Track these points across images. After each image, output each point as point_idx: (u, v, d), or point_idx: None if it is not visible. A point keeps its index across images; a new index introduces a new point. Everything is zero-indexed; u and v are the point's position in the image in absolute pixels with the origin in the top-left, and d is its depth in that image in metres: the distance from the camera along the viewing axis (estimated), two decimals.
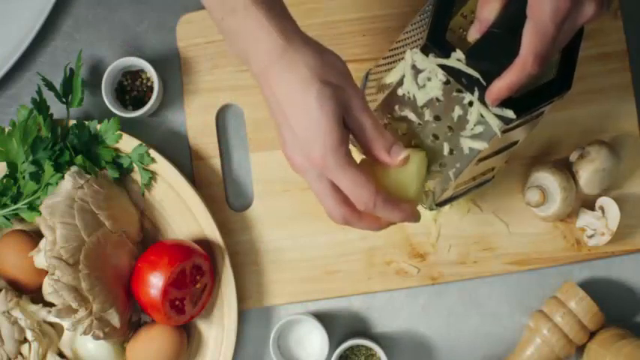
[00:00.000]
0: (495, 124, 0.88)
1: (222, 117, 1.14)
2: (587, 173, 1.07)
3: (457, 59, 0.87)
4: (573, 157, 1.09)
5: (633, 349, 1.03)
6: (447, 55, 0.88)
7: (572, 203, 1.07)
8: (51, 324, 1.08)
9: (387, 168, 0.87)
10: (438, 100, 0.91)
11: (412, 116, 0.92)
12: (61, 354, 1.08)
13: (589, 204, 1.10)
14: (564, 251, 1.11)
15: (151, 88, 1.13)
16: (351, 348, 1.09)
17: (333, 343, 1.11)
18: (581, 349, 1.08)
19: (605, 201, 1.08)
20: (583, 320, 1.06)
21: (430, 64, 0.89)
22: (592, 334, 1.08)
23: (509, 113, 0.88)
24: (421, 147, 0.93)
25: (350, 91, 0.84)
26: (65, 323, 1.05)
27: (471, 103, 0.89)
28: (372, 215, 0.87)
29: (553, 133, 1.11)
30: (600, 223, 1.08)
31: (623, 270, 1.12)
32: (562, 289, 1.08)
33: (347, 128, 0.85)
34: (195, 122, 1.13)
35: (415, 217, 0.89)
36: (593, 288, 1.10)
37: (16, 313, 1.05)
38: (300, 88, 0.82)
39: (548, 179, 1.07)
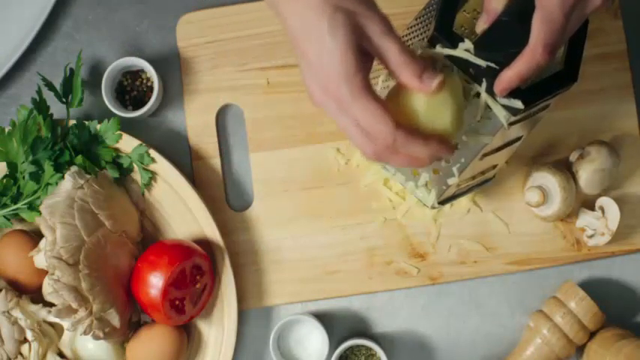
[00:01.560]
0: (503, 116, 0.88)
1: (222, 117, 1.14)
2: (587, 173, 1.07)
3: (465, 49, 0.87)
4: (573, 157, 1.09)
5: (633, 349, 1.03)
6: (455, 46, 0.87)
7: (572, 203, 1.08)
8: (51, 324, 1.08)
9: (418, 96, 0.82)
10: None
11: None
12: (61, 354, 1.08)
13: (589, 204, 1.10)
14: (564, 251, 1.11)
15: (151, 88, 1.13)
16: (351, 348, 1.09)
17: (333, 343, 1.11)
18: (581, 349, 1.08)
19: (605, 201, 1.08)
20: (583, 320, 1.06)
21: (437, 54, 0.88)
22: (592, 334, 1.08)
23: (518, 103, 0.87)
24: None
25: (369, 15, 0.79)
26: (65, 323, 1.05)
27: (478, 95, 0.89)
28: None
29: (553, 133, 1.12)
30: (600, 223, 1.08)
31: (623, 270, 1.12)
32: (562, 289, 1.08)
33: (369, 56, 0.81)
34: (195, 122, 1.13)
35: (448, 150, 0.82)
36: (593, 288, 1.10)
37: (16, 313, 1.05)
38: (312, 15, 0.78)
39: (548, 179, 1.07)
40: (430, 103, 0.82)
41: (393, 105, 0.83)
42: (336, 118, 0.81)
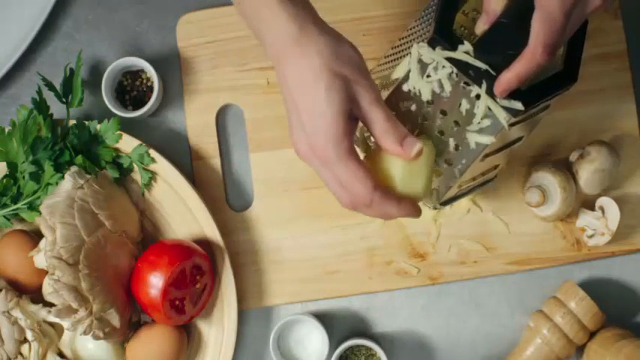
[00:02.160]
0: (503, 117, 0.88)
1: (222, 117, 1.14)
2: (587, 173, 1.07)
3: (464, 51, 0.87)
4: (573, 157, 1.09)
5: (633, 349, 1.03)
6: (455, 48, 0.87)
7: (572, 203, 1.08)
8: (51, 324, 1.08)
9: (396, 162, 0.87)
10: (444, 94, 0.90)
11: (417, 112, 0.92)
12: (61, 354, 1.08)
13: (589, 204, 1.10)
14: (564, 251, 1.11)
15: (151, 88, 1.13)
16: (351, 348, 1.09)
17: (333, 343, 1.11)
18: (581, 349, 1.08)
19: (605, 201, 1.08)
20: (583, 320, 1.06)
21: (437, 56, 0.89)
22: (592, 334, 1.08)
23: (518, 105, 0.87)
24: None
25: (362, 84, 0.83)
26: (65, 323, 1.05)
27: (478, 97, 0.89)
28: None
29: (553, 133, 1.12)
30: (600, 223, 1.08)
31: (623, 270, 1.12)
32: (562, 289, 1.08)
33: (355, 120, 0.85)
34: (195, 122, 1.13)
35: (416, 213, 0.88)
36: (593, 288, 1.10)
37: (16, 313, 1.05)
38: (310, 77, 0.82)
39: (548, 179, 1.07)
40: (407, 170, 0.87)
41: (373, 164, 0.88)
42: (318, 170, 0.86)
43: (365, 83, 0.84)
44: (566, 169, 1.08)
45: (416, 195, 0.88)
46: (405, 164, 0.87)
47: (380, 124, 0.84)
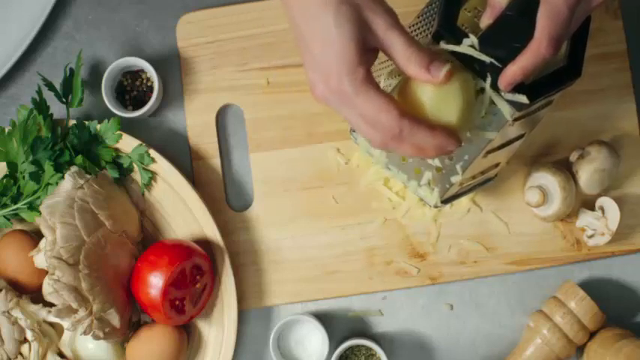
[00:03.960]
0: (507, 111, 0.88)
1: (222, 117, 1.14)
2: (587, 173, 1.07)
3: (469, 45, 0.87)
4: (573, 157, 1.09)
5: (633, 349, 1.03)
6: (459, 41, 0.87)
7: (572, 203, 1.08)
8: (51, 324, 1.08)
9: (426, 88, 0.82)
10: None
11: None
12: (61, 354, 1.08)
13: (589, 204, 1.10)
14: (564, 251, 1.11)
15: (151, 88, 1.13)
16: (351, 348, 1.09)
17: (333, 343, 1.11)
18: (581, 349, 1.08)
19: (605, 201, 1.08)
20: (583, 320, 1.06)
21: (441, 50, 0.88)
22: (592, 334, 1.08)
23: (522, 98, 0.87)
24: None
25: (374, 9, 0.79)
26: (65, 323, 1.05)
27: (482, 91, 0.89)
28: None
29: (553, 133, 1.12)
30: (600, 223, 1.08)
31: (623, 270, 1.12)
32: (562, 289, 1.08)
33: (372, 52, 0.81)
34: (195, 122, 1.13)
35: (455, 143, 0.82)
36: (593, 288, 1.10)
37: (16, 313, 1.05)
38: (318, 7, 0.78)
39: (548, 179, 1.07)
40: (438, 94, 0.82)
41: (400, 98, 0.83)
42: (339, 110, 0.81)
43: (377, 8, 0.79)
44: (566, 169, 1.08)
45: (451, 123, 0.83)
46: (435, 90, 0.82)
47: (401, 50, 0.79)
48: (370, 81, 0.79)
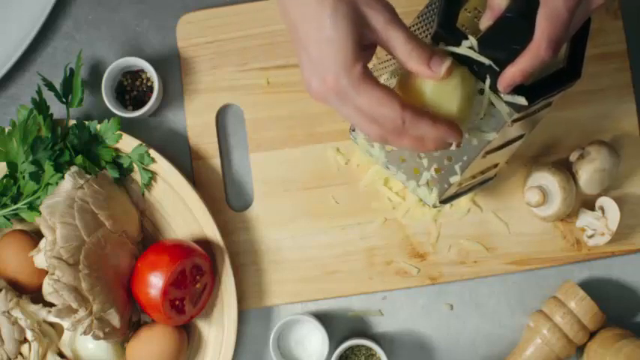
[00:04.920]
0: (506, 112, 0.88)
1: (222, 117, 1.14)
2: (587, 173, 1.07)
3: (468, 47, 0.87)
4: (573, 157, 1.09)
5: (633, 349, 1.03)
6: (459, 43, 0.87)
7: (572, 203, 1.08)
8: (51, 324, 1.08)
9: (426, 82, 0.82)
10: None
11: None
12: (61, 354, 1.08)
13: (589, 204, 1.10)
14: (564, 251, 1.11)
15: (151, 88, 1.13)
16: (351, 348, 1.09)
17: (333, 343, 1.11)
18: (581, 349, 1.08)
19: (605, 201, 1.08)
20: (583, 320, 1.06)
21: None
22: (592, 334, 1.08)
23: (521, 100, 0.87)
24: None
25: (371, 5, 0.78)
26: (65, 323, 1.05)
27: (481, 92, 0.89)
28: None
29: (553, 133, 1.12)
30: (600, 223, 1.08)
31: (623, 270, 1.12)
32: (562, 289, 1.08)
33: (370, 49, 0.80)
34: (195, 122, 1.13)
35: (457, 134, 0.82)
36: (593, 288, 1.10)
37: (16, 313, 1.05)
38: (314, 4, 0.78)
39: (548, 179, 1.07)
40: (438, 86, 0.82)
41: (400, 91, 0.83)
42: (337, 108, 0.81)
43: (375, 3, 0.78)
44: (566, 169, 1.08)
45: (450, 114, 0.84)
46: (435, 83, 0.82)
47: (401, 45, 0.79)
48: (368, 76, 0.79)
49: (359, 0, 0.78)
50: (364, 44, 0.80)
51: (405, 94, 0.84)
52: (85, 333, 1.01)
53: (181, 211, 1.10)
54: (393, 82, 0.95)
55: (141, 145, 1.10)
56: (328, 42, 0.78)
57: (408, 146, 0.82)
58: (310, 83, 0.80)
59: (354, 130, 1.00)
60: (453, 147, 0.88)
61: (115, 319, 1.03)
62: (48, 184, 1.07)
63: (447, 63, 0.81)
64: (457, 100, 0.84)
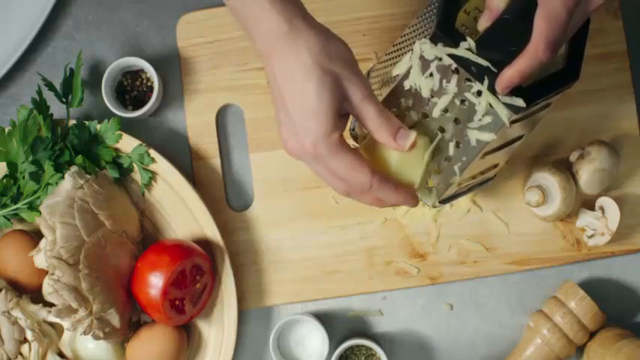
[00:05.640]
0: (504, 114, 0.88)
1: (222, 117, 1.14)
2: (587, 173, 1.07)
3: (466, 48, 0.87)
4: (573, 157, 1.09)
5: (633, 349, 1.03)
6: (457, 44, 0.87)
7: (572, 203, 1.08)
8: (51, 324, 1.08)
9: (393, 152, 0.88)
10: (445, 91, 0.90)
11: (418, 109, 0.92)
12: (61, 354, 1.08)
13: (589, 204, 1.10)
14: (564, 251, 1.11)
15: (151, 88, 1.13)
16: (351, 348, 1.09)
17: (333, 343, 1.11)
18: (581, 349, 1.08)
19: (605, 201, 1.08)
20: (583, 320, 1.06)
21: (439, 53, 0.88)
22: (592, 334, 1.08)
23: (520, 102, 0.87)
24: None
25: (352, 80, 0.84)
26: (65, 323, 1.05)
27: (479, 93, 0.89)
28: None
29: (553, 133, 1.12)
30: (600, 223, 1.08)
31: (623, 270, 1.12)
32: (562, 289, 1.08)
33: (345, 117, 0.86)
34: (195, 122, 1.13)
35: (414, 201, 0.89)
36: (593, 288, 1.10)
37: (16, 313, 1.05)
38: (300, 74, 0.83)
39: (548, 179, 1.07)
40: (403, 159, 0.88)
41: (369, 154, 0.89)
42: (310, 166, 0.87)
43: (355, 79, 0.84)
44: (566, 169, 1.08)
45: (412, 184, 0.90)
46: (400, 154, 0.88)
47: (373, 119, 0.85)
48: (343, 143, 0.85)
49: (341, 75, 0.84)
50: (341, 114, 0.85)
51: (371, 156, 0.90)
52: (85, 333, 1.01)
53: (181, 211, 1.10)
54: (384, 92, 0.96)
55: (141, 145, 1.10)
56: (311, 111, 0.83)
57: (368, 203, 0.89)
58: (287, 141, 0.86)
59: (353, 129, 1.00)
60: (451, 151, 0.90)
61: (115, 319, 1.03)
62: (48, 184, 1.07)
63: (412, 137, 0.87)
64: (419, 172, 0.89)
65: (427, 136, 0.90)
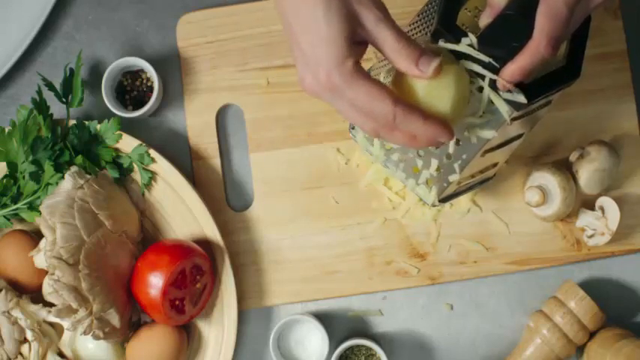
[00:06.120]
0: (505, 111, 0.88)
1: (222, 117, 1.14)
2: (587, 173, 1.07)
3: (468, 44, 0.87)
4: (573, 157, 1.09)
5: (633, 349, 1.03)
6: (458, 40, 0.87)
7: (572, 203, 1.08)
8: (51, 324, 1.08)
9: (419, 81, 0.82)
10: None
11: None
12: (61, 354, 1.08)
13: (589, 204, 1.10)
14: (564, 251, 1.11)
15: (151, 88, 1.13)
16: (351, 348, 1.09)
17: (333, 343, 1.11)
18: (581, 349, 1.08)
19: (605, 201, 1.08)
20: (583, 320, 1.06)
21: (440, 49, 0.88)
22: (592, 334, 1.08)
23: (521, 98, 0.87)
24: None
25: (364, 2, 0.79)
26: (65, 323, 1.05)
27: (480, 90, 0.89)
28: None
29: (553, 133, 1.12)
30: (600, 223, 1.08)
31: (623, 270, 1.12)
32: (562, 289, 1.08)
33: (362, 45, 0.81)
34: (195, 122, 1.13)
35: (448, 134, 0.82)
36: (593, 288, 1.10)
37: (16, 313, 1.05)
38: (308, 3, 0.79)
39: (548, 179, 1.07)
40: (431, 84, 0.82)
41: (394, 87, 0.84)
42: (330, 102, 0.81)
43: (367, 2, 0.79)
44: (566, 169, 1.08)
45: (443, 113, 0.83)
46: (428, 83, 0.82)
47: (390, 44, 0.80)
48: (359, 71, 0.79)
49: None
50: (356, 41, 0.80)
51: (399, 91, 0.84)
52: (85, 333, 1.01)
53: (181, 211, 1.10)
54: (389, 82, 0.95)
55: (141, 145, 1.10)
56: (321, 39, 0.79)
57: (400, 142, 0.82)
58: (304, 79, 0.81)
59: (353, 128, 1.00)
60: (451, 149, 0.87)
61: (115, 319, 1.03)
62: (48, 184, 1.07)
63: (435, 63, 0.81)
64: (449, 100, 0.83)
65: (454, 64, 0.85)
